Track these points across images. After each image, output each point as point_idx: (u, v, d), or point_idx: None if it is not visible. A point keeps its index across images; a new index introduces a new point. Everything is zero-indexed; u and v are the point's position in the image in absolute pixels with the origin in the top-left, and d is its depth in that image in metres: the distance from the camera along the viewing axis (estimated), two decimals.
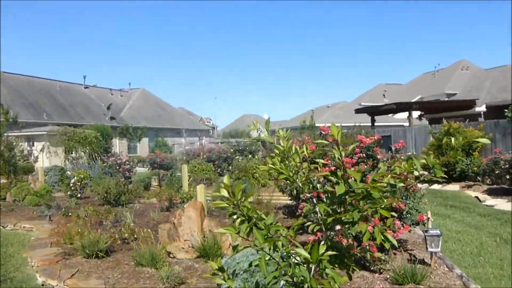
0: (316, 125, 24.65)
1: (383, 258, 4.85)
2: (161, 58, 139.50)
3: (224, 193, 2.06)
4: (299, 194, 7.46)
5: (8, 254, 7.00)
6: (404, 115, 38.27)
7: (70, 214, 9.52)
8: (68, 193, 11.88)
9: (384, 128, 24.26)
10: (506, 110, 12.74)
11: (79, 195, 12.02)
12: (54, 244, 7.00)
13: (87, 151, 15.83)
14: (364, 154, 6.51)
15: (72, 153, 15.75)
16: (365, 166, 6.36)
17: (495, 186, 12.28)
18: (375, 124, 26.52)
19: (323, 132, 7.11)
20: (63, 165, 17.08)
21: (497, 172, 11.97)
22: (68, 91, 34.53)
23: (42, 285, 5.38)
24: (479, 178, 12.83)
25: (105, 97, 37.60)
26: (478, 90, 26.53)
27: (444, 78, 46.88)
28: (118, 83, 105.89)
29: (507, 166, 11.03)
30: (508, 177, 10.92)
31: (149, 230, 6.75)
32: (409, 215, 5.38)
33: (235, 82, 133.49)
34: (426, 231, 4.84)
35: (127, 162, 15.77)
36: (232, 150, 14.61)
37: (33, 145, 21.79)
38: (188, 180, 11.48)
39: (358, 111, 27.45)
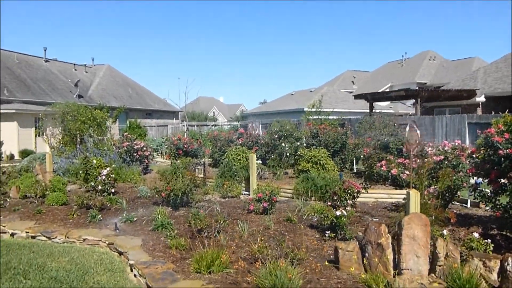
0: (324, 110, 23.13)
1: None
2: (124, 36, 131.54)
3: None
4: None
5: None
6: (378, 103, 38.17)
7: (135, 219, 7.26)
8: (99, 187, 9.37)
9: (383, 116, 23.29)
10: None
11: (112, 190, 9.59)
12: (179, 272, 4.84)
13: (94, 134, 13.00)
14: None
15: (77, 137, 12.84)
16: None
17: None
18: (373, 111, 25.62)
19: None
20: (52, 150, 14.12)
21: None
22: (28, 64, 30.13)
23: None
24: None
25: (69, 73, 33.48)
26: (473, 80, 26.37)
27: (412, 67, 47.43)
28: (78, 57, 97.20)
29: None
30: None
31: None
32: None
33: (193, 63, 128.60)
34: None
35: (144, 148, 13.29)
36: (276, 136, 12.64)
37: None
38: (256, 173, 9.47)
39: (357, 96, 26.34)
